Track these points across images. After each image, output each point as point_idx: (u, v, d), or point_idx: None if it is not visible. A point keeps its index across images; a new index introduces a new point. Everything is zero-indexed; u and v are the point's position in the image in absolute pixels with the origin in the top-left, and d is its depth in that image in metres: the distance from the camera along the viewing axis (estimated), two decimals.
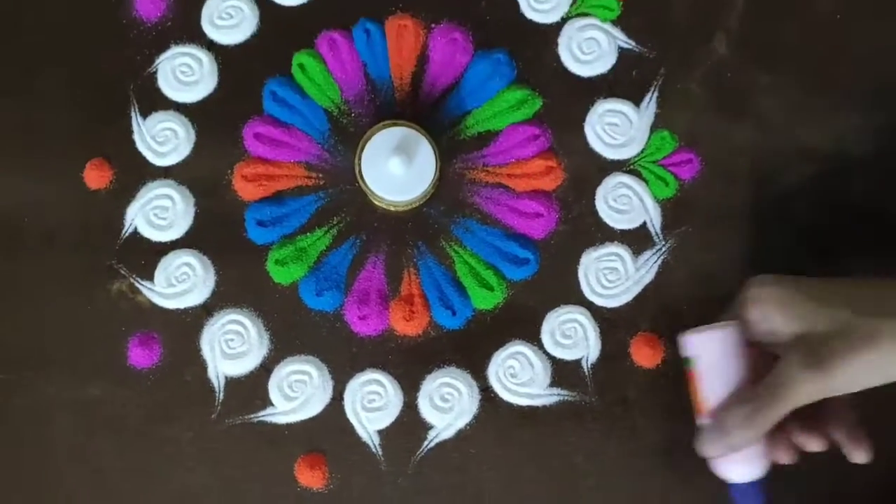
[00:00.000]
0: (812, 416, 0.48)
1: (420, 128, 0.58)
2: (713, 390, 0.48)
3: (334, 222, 0.59)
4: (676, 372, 0.56)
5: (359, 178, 0.57)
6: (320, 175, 0.60)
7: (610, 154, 0.59)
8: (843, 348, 0.39)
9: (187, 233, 0.59)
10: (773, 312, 0.44)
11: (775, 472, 0.50)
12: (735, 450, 0.47)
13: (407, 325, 0.57)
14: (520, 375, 0.56)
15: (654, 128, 0.59)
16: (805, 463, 0.51)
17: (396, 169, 0.56)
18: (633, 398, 0.56)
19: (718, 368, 0.48)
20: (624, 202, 0.59)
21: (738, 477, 0.49)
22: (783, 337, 0.44)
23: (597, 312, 0.57)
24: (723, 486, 0.51)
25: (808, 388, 0.40)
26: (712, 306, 0.53)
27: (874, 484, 0.55)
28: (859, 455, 0.46)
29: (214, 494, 0.55)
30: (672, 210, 0.59)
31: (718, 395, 0.48)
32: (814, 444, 0.48)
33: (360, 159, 0.57)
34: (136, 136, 0.60)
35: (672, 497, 0.55)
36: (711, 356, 0.48)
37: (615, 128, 0.60)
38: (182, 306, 0.58)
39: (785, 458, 0.49)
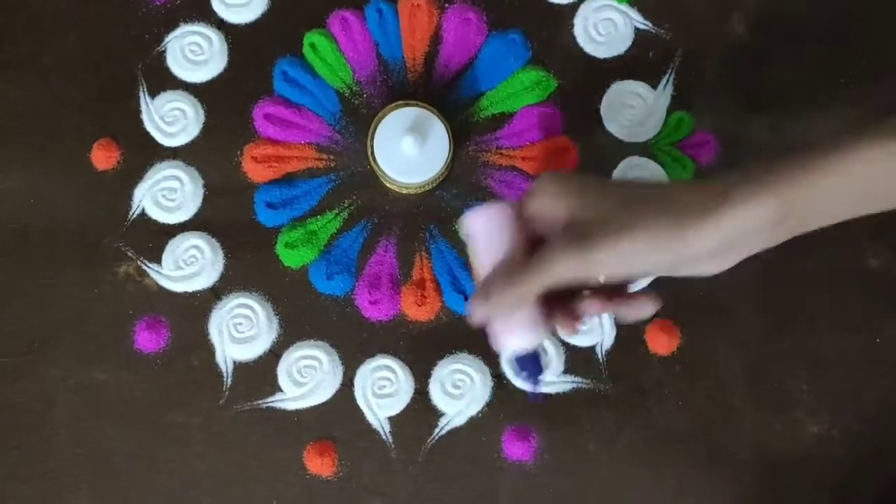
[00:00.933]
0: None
1: (433, 109, 0.57)
2: (485, 264, 0.48)
3: (345, 205, 0.58)
4: (693, 359, 0.55)
5: (371, 159, 0.56)
6: (331, 157, 0.59)
7: (626, 136, 0.59)
8: (600, 233, 0.44)
9: (196, 215, 0.58)
10: (549, 203, 0.46)
11: (788, 464, 0.50)
12: (497, 312, 0.48)
13: (418, 310, 0.57)
14: None
15: (671, 110, 0.59)
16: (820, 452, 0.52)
17: (409, 148, 0.55)
18: (648, 386, 0.56)
19: (490, 242, 0.48)
20: None
21: (511, 345, 0.48)
22: (556, 225, 0.47)
23: None
24: (739, 472, 0.50)
25: (566, 264, 0.44)
26: (731, 292, 0.52)
27: (886, 473, 0.54)
28: (647, 305, 0.47)
29: (222, 481, 0.55)
30: None
31: (488, 267, 0.48)
32: (593, 308, 0.48)
33: (372, 140, 0.56)
34: (144, 116, 0.59)
35: (687, 485, 0.55)
36: (484, 231, 0.48)
37: (631, 110, 0.59)
38: (190, 290, 0.57)
39: (566, 328, 0.49)
